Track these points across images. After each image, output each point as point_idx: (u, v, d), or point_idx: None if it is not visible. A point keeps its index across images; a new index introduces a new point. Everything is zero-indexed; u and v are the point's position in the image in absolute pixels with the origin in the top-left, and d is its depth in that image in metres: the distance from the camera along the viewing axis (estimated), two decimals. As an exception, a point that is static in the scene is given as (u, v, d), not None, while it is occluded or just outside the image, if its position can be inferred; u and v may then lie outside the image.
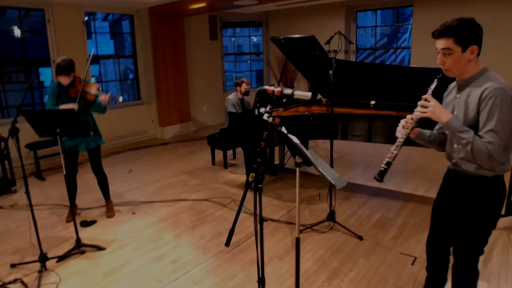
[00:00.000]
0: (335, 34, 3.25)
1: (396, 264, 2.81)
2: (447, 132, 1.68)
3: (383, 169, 1.72)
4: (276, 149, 5.09)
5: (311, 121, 3.97)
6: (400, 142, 1.73)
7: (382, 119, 3.77)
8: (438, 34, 1.64)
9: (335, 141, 3.61)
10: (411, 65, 6.31)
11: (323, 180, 3.41)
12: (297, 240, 1.80)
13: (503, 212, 3.44)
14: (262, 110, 1.45)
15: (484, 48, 1.67)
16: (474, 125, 1.63)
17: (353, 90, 4.24)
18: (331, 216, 3.43)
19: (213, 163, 5.43)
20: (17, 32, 5.93)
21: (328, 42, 3.23)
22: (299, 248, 1.81)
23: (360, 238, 3.20)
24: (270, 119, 1.40)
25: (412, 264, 2.79)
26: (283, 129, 1.51)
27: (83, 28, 6.30)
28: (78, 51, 6.18)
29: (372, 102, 4.24)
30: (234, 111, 4.88)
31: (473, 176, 1.71)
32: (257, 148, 1.43)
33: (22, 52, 5.95)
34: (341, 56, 6.77)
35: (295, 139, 1.46)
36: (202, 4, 5.94)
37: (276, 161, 5.04)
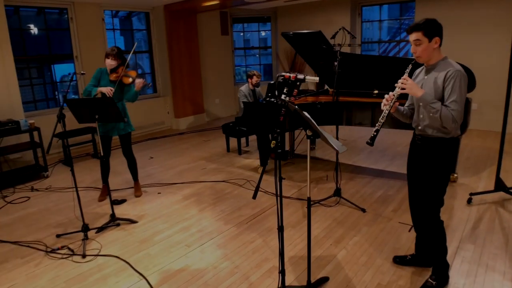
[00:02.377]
0: (340, 29, 3.61)
1: (395, 231, 3.19)
2: (421, 104, 2.15)
3: (373, 135, 2.22)
4: (287, 136, 5.46)
5: (319, 109, 4.34)
6: (385, 114, 2.23)
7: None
8: (411, 30, 2.13)
9: (342, 129, 3.97)
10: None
11: (330, 163, 3.80)
12: (309, 199, 2.18)
13: (492, 188, 3.81)
14: (283, 96, 1.83)
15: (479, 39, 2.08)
16: (440, 98, 2.12)
17: (357, 81, 4.59)
18: (337, 193, 3.81)
19: (228, 150, 5.83)
20: (36, 29, 6.29)
21: (333, 37, 3.59)
22: (309, 206, 2.19)
23: (363, 210, 3.58)
24: (287, 98, 1.79)
25: (409, 231, 3.16)
26: (297, 107, 1.89)
27: (102, 25, 6.72)
28: (98, 47, 6.62)
29: (375, 91, 4.60)
30: (246, 101, 5.25)
31: (434, 138, 2.22)
32: (278, 121, 1.81)
33: (44, 48, 6.33)
34: (346, 49, 7.09)
35: (306, 114, 1.84)
36: (215, 2, 6.31)
37: (286, 147, 5.42)
